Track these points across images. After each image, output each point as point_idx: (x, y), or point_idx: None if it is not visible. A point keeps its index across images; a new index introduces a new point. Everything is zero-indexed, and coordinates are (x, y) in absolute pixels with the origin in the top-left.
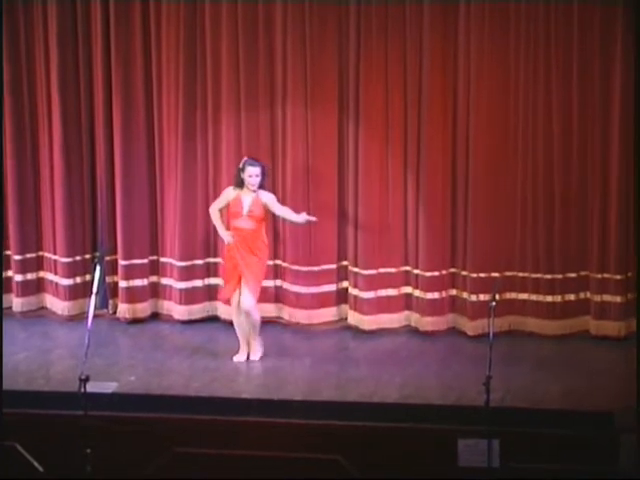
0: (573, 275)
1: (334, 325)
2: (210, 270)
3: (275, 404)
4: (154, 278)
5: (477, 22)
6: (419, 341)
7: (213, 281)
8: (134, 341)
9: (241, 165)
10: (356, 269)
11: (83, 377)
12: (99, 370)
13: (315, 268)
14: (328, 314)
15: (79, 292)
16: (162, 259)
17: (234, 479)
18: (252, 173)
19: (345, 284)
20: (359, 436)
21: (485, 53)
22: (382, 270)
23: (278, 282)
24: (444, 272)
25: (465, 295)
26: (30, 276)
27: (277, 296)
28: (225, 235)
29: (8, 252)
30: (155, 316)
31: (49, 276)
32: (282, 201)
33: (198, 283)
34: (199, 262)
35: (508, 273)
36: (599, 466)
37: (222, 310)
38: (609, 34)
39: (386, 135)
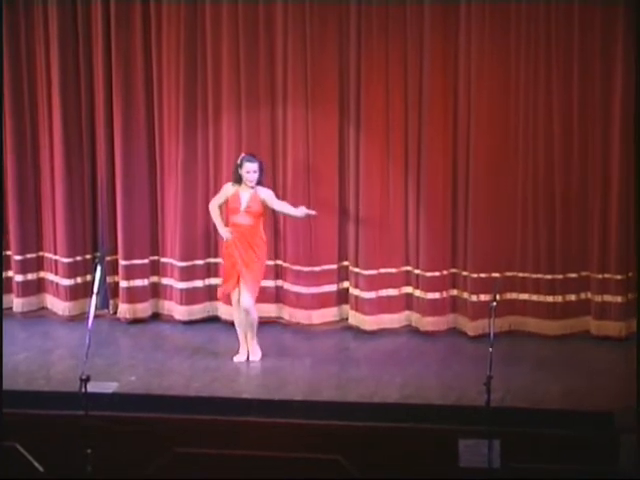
0: (574, 275)
1: (335, 325)
2: (211, 270)
3: (275, 404)
4: (155, 278)
5: (478, 22)
6: (420, 341)
7: (214, 281)
8: (135, 341)
9: (239, 161)
10: (357, 269)
11: (84, 377)
12: (100, 370)
13: (316, 268)
14: (329, 314)
15: (80, 292)
16: (163, 259)
17: (234, 479)
18: (250, 169)
19: (346, 284)
20: (359, 436)
21: (486, 53)
22: (383, 270)
23: (279, 282)
24: (445, 272)
25: (466, 295)
26: (30, 276)
27: (278, 296)
28: (224, 231)
29: (8, 252)
30: (156, 316)
31: (49, 276)
32: (283, 200)
33: (199, 283)
34: (200, 262)
35: (509, 273)
36: (599, 466)
37: (223, 310)
38: (610, 34)
39: (387, 135)
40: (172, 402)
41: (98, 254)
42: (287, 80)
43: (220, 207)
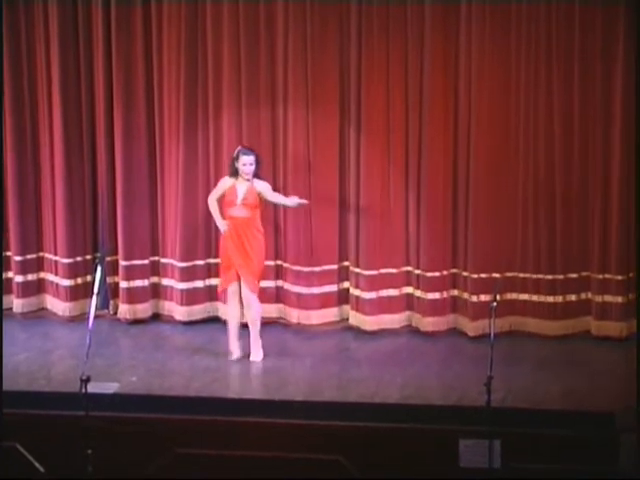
0: (574, 275)
1: (335, 326)
2: (211, 271)
3: (276, 404)
4: (155, 279)
5: (478, 23)
6: (420, 341)
7: (214, 282)
8: (135, 342)
9: (235, 154)
10: (357, 269)
11: (84, 378)
12: (100, 371)
13: (316, 268)
14: (329, 314)
15: (80, 293)
16: (163, 260)
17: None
18: (246, 162)
19: (346, 284)
20: (360, 437)
21: (486, 53)
22: (383, 270)
23: (279, 282)
24: (445, 272)
25: (466, 296)
26: (30, 277)
27: (278, 296)
28: (221, 224)
29: (8, 253)
30: (156, 317)
31: (49, 277)
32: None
33: (199, 284)
34: (200, 263)
35: (509, 274)
36: (600, 466)
37: (223, 311)
38: (610, 35)
39: (387, 135)
40: (173, 402)
41: (98, 254)
42: (288, 80)
43: (218, 201)
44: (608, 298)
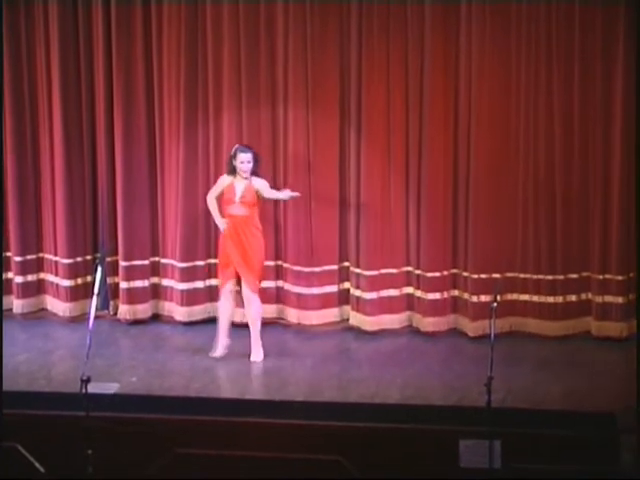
0: (574, 276)
1: (335, 326)
2: (211, 271)
3: (276, 405)
4: (155, 279)
5: (478, 23)
6: (420, 342)
7: (214, 282)
8: (135, 342)
9: (232, 152)
10: (358, 270)
11: (84, 378)
12: (100, 371)
13: (316, 269)
14: (329, 315)
15: (80, 293)
16: (163, 260)
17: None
18: (244, 159)
19: (347, 285)
20: (360, 437)
21: (486, 54)
22: (384, 271)
23: (279, 283)
24: (445, 273)
25: (466, 296)
26: (30, 277)
27: (278, 297)
28: (220, 222)
29: (8, 253)
30: (156, 317)
31: (50, 277)
32: (283, 201)
33: (199, 284)
34: (200, 263)
35: (509, 274)
36: (600, 466)
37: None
38: (611, 35)
39: (387, 135)
40: (173, 403)
41: (98, 255)
42: (288, 80)
43: (217, 199)
44: (608, 298)
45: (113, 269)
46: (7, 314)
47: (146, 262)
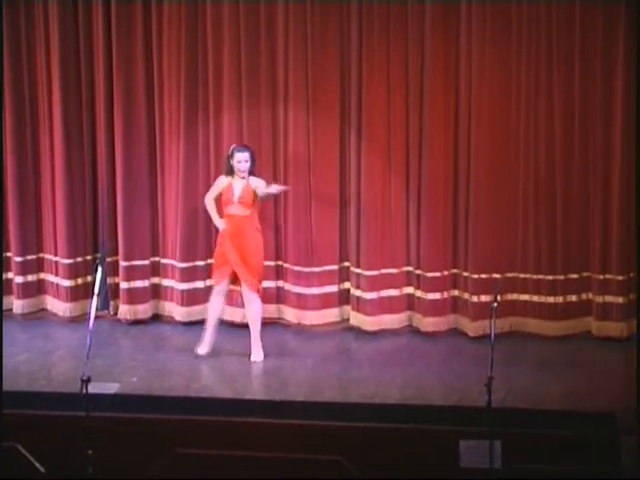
0: (575, 276)
1: (336, 326)
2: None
3: (277, 405)
4: (155, 279)
5: (479, 23)
6: (420, 342)
7: None
8: (135, 342)
9: (229, 152)
10: (358, 270)
11: (85, 378)
12: (101, 371)
13: (317, 269)
14: (330, 315)
15: (80, 293)
16: (163, 260)
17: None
18: (241, 159)
19: (347, 285)
20: (361, 437)
21: (487, 54)
22: (384, 271)
23: (280, 283)
24: (446, 273)
25: (466, 296)
26: (30, 278)
27: (278, 297)
28: (219, 223)
29: (9, 254)
30: (156, 317)
31: (50, 277)
32: (284, 201)
33: (199, 284)
34: (200, 263)
35: (509, 274)
36: (600, 466)
37: (224, 311)
38: (611, 35)
39: (388, 136)
40: (173, 403)
41: (99, 255)
42: (288, 80)
43: (215, 200)
44: (609, 298)
45: (113, 269)
46: (7, 314)
47: (146, 262)
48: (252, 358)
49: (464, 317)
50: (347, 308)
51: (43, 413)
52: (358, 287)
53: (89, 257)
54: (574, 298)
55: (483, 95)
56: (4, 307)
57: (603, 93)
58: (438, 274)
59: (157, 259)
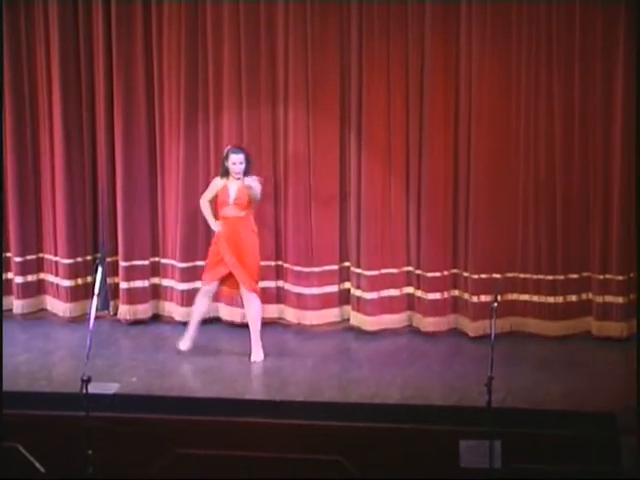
0: (575, 276)
1: (336, 326)
2: None
3: (277, 405)
4: (155, 279)
5: (479, 23)
6: (420, 342)
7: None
8: (135, 342)
9: (225, 153)
10: (358, 270)
11: (85, 378)
12: (101, 371)
13: (317, 269)
14: (330, 315)
15: (80, 294)
16: (163, 260)
17: None
18: (235, 160)
19: (347, 285)
20: (361, 437)
21: (487, 54)
22: (384, 271)
23: (280, 283)
24: (446, 273)
25: (466, 296)
26: (30, 278)
27: (279, 297)
28: (214, 225)
29: (8, 254)
30: (156, 317)
31: (50, 278)
32: (284, 201)
33: (199, 285)
34: (200, 263)
35: (510, 274)
36: (600, 466)
37: (224, 312)
38: (611, 35)
39: (388, 136)
40: (173, 403)
41: (98, 255)
42: (288, 80)
43: (210, 202)
44: (609, 298)
45: (113, 269)
46: (7, 314)
47: (146, 262)
48: (252, 358)
49: (464, 317)
50: (347, 308)
51: (43, 413)
52: (358, 287)
53: (89, 257)
54: (574, 298)
55: (483, 95)
56: (4, 307)
57: (603, 93)
58: (438, 274)
59: (157, 259)
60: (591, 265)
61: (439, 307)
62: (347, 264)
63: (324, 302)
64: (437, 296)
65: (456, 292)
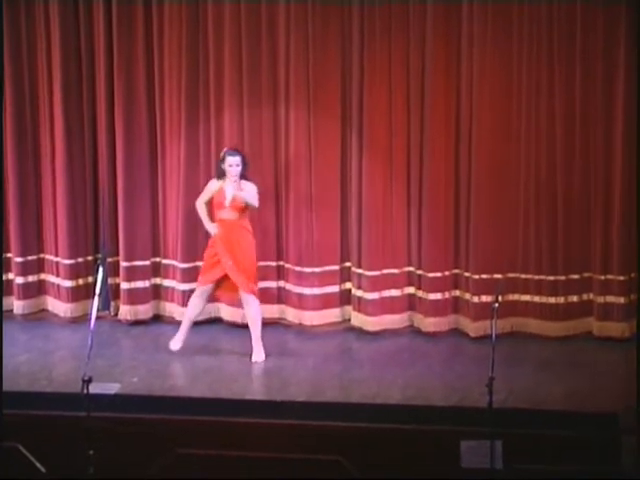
0: (576, 276)
1: (337, 326)
2: None
3: (278, 405)
4: (156, 280)
5: (480, 24)
6: (422, 342)
7: None
8: (136, 343)
9: (221, 155)
10: (359, 270)
11: (86, 378)
12: (101, 371)
13: (318, 269)
14: (331, 315)
15: (81, 294)
16: (164, 261)
17: None
18: (232, 163)
19: (348, 285)
20: (362, 437)
21: (488, 55)
22: (385, 271)
23: (281, 283)
24: (447, 273)
25: (468, 296)
26: (31, 278)
27: (280, 297)
28: (210, 227)
29: (9, 254)
30: (157, 318)
31: (50, 278)
32: (285, 202)
33: None
34: (201, 264)
35: (511, 274)
36: (602, 467)
37: (225, 312)
38: (612, 36)
39: (389, 136)
40: (174, 403)
41: (99, 255)
42: (289, 81)
43: (206, 204)
44: (610, 299)
45: (114, 270)
46: (8, 315)
47: (147, 263)
48: (253, 358)
49: (465, 317)
50: (348, 308)
51: (44, 413)
52: (359, 287)
53: (90, 257)
54: (575, 298)
55: (484, 95)
56: (4, 308)
57: (604, 93)
58: (439, 274)
59: (158, 259)
60: (592, 265)
61: (440, 307)
62: (348, 264)
63: (325, 302)
64: (438, 296)
65: (457, 292)
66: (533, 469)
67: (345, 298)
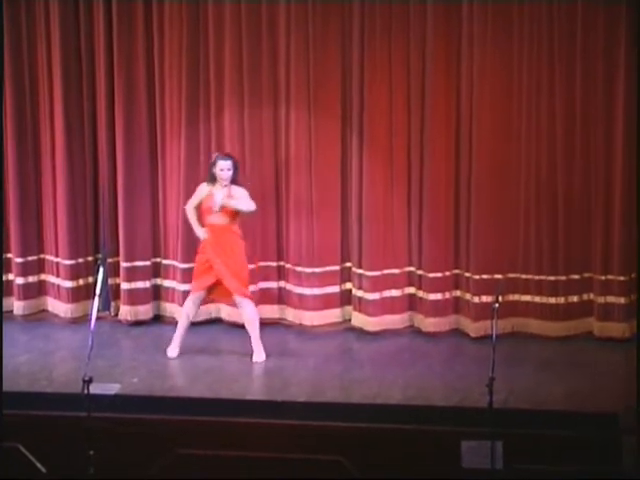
0: (576, 277)
1: (337, 326)
2: None
3: (278, 405)
4: (156, 280)
5: (480, 24)
6: (422, 342)
7: None
8: (136, 343)
9: (212, 160)
10: (360, 270)
11: (86, 379)
12: (102, 372)
13: (318, 269)
14: (331, 315)
15: (81, 294)
16: (164, 261)
17: None
18: (223, 167)
19: (348, 285)
20: (362, 437)
21: (488, 54)
22: (386, 271)
23: (281, 283)
24: (447, 273)
25: (468, 296)
26: (31, 279)
27: (280, 297)
28: (200, 232)
29: (9, 255)
30: (157, 318)
31: (51, 279)
32: (285, 202)
33: None
34: None
35: (511, 275)
36: (602, 467)
37: (225, 312)
38: (613, 35)
39: (389, 136)
40: (174, 403)
41: (100, 256)
42: (290, 80)
43: (196, 208)
44: (610, 299)
45: (114, 270)
46: (8, 316)
47: (147, 263)
48: (254, 359)
49: (466, 318)
50: (349, 309)
51: (44, 413)
52: (360, 287)
53: (90, 258)
54: (575, 299)
55: (485, 95)
56: (5, 308)
57: (605, 93)
58: (440, 274)
59: (158, 260)
60: (592, 265)
61: (440, 307)
62: (349, 264)
63: (325, 303)
64: (438, 296)
65: (458, 292)
66: (534, 469)
67: (345, 298)
